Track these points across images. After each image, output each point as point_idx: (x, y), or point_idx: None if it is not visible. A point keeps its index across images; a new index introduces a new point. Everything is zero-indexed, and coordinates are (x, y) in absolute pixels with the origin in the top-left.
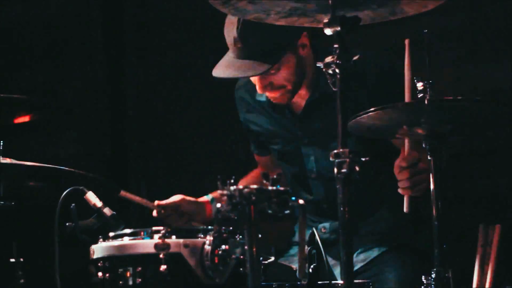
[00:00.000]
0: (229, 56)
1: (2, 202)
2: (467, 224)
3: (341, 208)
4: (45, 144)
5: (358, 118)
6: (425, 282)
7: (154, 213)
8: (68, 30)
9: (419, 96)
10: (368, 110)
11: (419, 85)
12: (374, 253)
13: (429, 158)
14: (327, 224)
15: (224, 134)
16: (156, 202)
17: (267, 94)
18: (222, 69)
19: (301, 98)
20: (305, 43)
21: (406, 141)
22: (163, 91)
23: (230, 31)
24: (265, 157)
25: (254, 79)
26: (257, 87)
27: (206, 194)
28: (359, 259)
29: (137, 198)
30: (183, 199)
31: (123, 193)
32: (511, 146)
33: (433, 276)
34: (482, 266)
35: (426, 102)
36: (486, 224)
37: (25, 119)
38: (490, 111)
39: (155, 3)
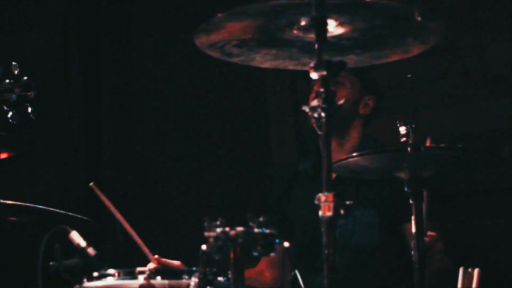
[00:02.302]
0: None
1: None
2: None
3: (326, 251)
4: (22, 180)
5: (344, 161)
6: None
7: (150, 265)
8: (44, 67)
9: (401, 140)
10: (352, 155)
11: (402, 129)
12: None
13: (411, 202)
14: None
15: (204, 174)
16: (157, 257)
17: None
18: None
19: None
20: (370, 105)
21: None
22: (140, 129)
23: None
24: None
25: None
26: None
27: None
28: None
29: (139, 241)
30: (181, 265)
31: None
32: (493, 189)
33: None
34: None
35: (408, 150)
36: (466, 268)
37: (4, 155)
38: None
39: (134, 42)
